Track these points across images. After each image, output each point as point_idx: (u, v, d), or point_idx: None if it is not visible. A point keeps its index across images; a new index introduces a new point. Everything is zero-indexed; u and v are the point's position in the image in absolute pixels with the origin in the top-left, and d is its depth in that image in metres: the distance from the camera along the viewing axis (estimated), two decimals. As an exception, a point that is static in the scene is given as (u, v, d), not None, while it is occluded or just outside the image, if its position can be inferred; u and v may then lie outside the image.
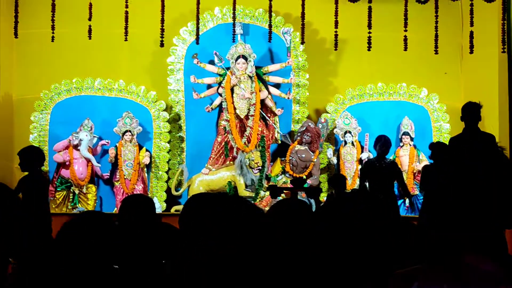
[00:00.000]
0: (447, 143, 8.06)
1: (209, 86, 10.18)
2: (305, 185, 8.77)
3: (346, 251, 2.06)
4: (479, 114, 6.16)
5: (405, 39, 8.04)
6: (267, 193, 9.73)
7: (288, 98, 10.12)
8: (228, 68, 9.95)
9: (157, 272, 2.26)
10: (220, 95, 10.01)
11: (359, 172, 9.68)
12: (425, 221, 7.06)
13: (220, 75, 10.05)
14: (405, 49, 8.07)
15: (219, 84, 10.06)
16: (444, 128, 10.31)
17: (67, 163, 9.73)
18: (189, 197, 9.78)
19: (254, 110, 9.92)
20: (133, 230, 3.12)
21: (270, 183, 9.57)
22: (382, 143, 7.79)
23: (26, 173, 7.53)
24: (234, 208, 2.46)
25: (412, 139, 10.15)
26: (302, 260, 2.25)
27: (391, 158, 9.64)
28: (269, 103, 10.14)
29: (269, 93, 10.16)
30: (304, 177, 9.53)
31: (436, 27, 8.11)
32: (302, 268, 2.21)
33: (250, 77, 9.92)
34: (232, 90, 9.92)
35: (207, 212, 2.40)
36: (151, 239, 2.73)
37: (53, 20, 8.10)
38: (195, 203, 2.54)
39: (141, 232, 3.08)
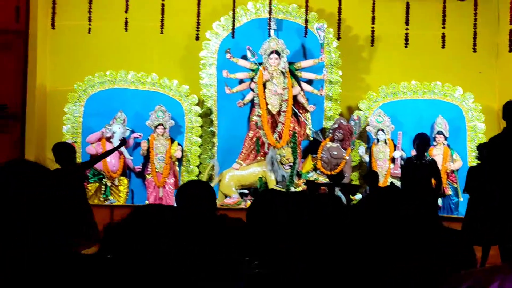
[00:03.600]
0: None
1: (241, 81, 10.15)
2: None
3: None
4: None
5: (443, 37, 7.97)
6: (298, 189, 9.68)
7: (321, 94, 10.05)
8: (260, 63, 9.91)
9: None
10: (252, 90, 9.98)
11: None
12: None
13: (253, 70, 10.01)
14: (443, 46, 8.00)
15: (252, 79, 10.02)
16: (479, 128, 10.17)
17: (100, 155, 9.76)
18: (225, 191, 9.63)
19: (286, 106, 9.87)
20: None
21: (306, 179, 9.51)
22: (422, 141, 7.73)
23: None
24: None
25: (446, 138, 10.03)
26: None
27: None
28: (301, 99, 10.08)
29: (302, 89, 10.10)
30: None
31: (474, 25, 8.03)
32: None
33: (283, 73, 9.87)
34: (264, 85, 9.88)
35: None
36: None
37: (89, 12, 8.15)
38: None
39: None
